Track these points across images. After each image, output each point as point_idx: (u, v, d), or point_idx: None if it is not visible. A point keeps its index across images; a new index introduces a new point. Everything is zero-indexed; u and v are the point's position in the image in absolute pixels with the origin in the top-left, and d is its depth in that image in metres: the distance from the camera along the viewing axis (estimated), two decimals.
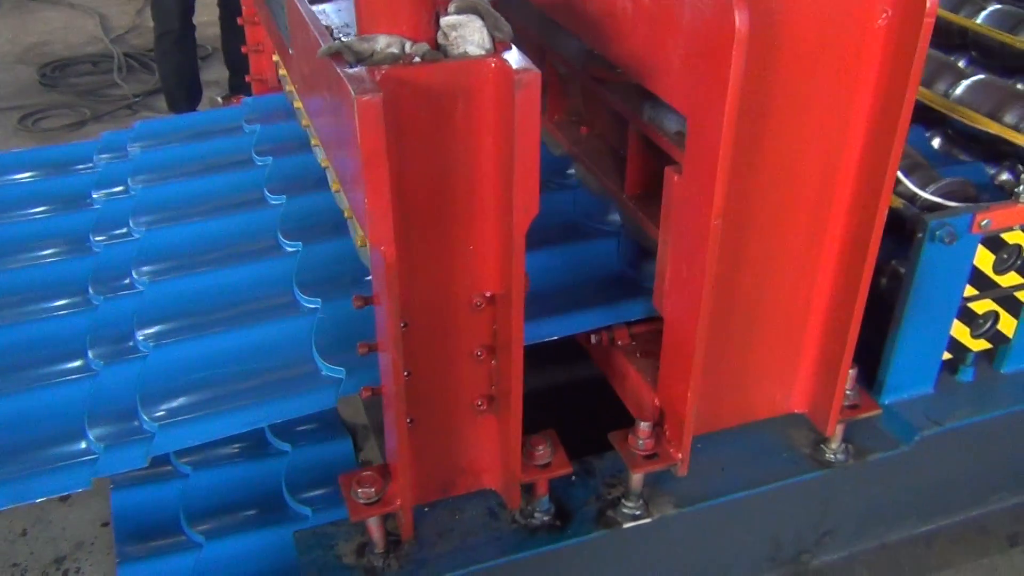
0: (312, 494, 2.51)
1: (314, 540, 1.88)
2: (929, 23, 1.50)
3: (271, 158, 2.78)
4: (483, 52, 1.47)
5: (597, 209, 2.31)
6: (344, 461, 2.70)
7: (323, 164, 2.45)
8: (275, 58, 3.15)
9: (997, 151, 2.51)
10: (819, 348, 1.91)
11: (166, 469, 2.61)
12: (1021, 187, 1.94)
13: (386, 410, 1.71)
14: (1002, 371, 2.24)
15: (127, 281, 2.37)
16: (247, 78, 3.26)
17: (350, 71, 1.38)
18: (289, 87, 2.89)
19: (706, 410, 1.89)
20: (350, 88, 1.32)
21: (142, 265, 2.38)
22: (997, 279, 2.05)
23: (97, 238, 2.60)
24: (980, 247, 1.97)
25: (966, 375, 2.21)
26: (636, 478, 1.89)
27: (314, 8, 1.71)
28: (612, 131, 2.19)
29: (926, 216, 1.89)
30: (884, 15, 1.56)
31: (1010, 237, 1.99)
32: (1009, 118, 2.47)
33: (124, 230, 2.61)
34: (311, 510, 2.41)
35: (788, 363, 1.93)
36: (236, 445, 2.66)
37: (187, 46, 4.26)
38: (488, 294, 1.64)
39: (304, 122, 2.67)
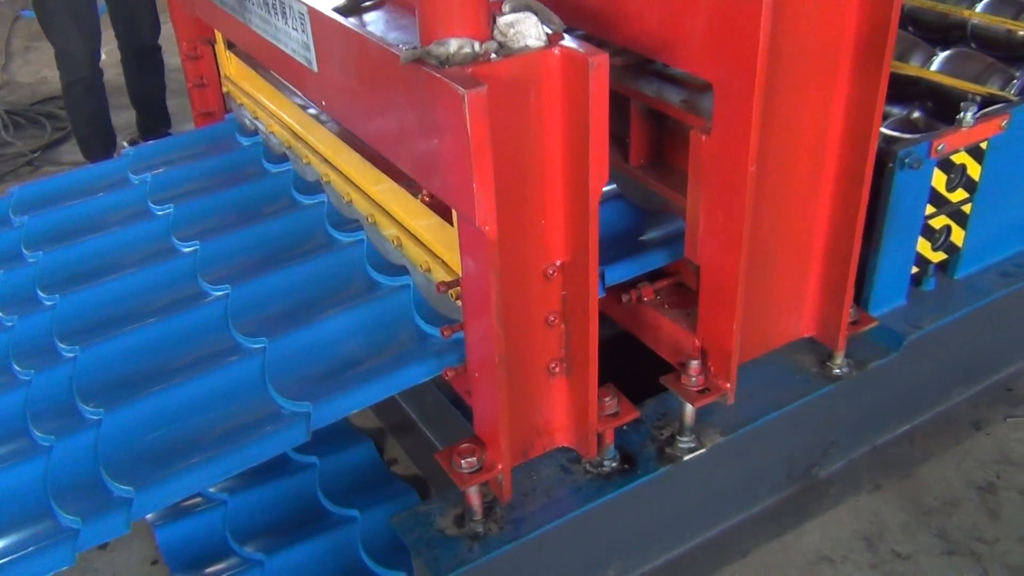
0: (352, 497, 2.62)
1: (413, 520, 2.00)
2: None
3: (171, 206, 2.74)
4: (542, 44, 1.64)
5: None
6: (370, 463, 2.81)
7: (323, 179, 2.56)
8: (225, 89, 3.21)
9: (905, 93, 2.86)
10: (823, 274, 2.16)
11: (198, 500, 2.65)
12: (962, 114, 2.27)
13: (480, 383, 1.85)
14: (955, 277, 2.58)
15: (51, 353, 2.30)
16: (195, 112, 3.28)
17: (445, 72, 1.53)
18: (253, 113, 2.96)
19: None
20: (455, 86, 1.47)
21: (64, 333, 2.31)
22: (949, 196, 2.38)
23: (4, 313, 2.50)
24: (936, 170, 2.29)
25: (929, 285, 2.54)
26: (689, 414, 2.11)
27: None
28: None
29: (894, 147, 2.19)
30: None
31: (956, 158, 2.32)
32: (915, 62, 2.84)
33: (30, 301, 2.51)
34: (358, 511, 2.52)
35: (798, 291, 2.18)
36: (260, 468, 2.71)
37: (98, 92, 4.20)
38: (558, 263, 1.81)
39: (286, 144, 2.76)
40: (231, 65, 3.14)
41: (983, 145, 2.34)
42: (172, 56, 4.89)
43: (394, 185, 2.21)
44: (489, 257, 1.63)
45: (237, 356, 2.17)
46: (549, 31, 1.66)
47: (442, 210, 2.05)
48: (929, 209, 2.36)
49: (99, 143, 4.28)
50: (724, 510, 2.40)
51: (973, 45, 3.14)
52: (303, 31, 2.02)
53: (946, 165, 2.31)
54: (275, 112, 2.85)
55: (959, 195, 2.39)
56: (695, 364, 2.04)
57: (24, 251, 2.75)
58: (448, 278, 2.04)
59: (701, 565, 2.36)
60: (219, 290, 2.37)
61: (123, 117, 4.86)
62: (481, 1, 1.61)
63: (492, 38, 1.65)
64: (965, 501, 2.56)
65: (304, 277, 2.38)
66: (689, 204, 1.98)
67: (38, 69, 6.12)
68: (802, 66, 1.86)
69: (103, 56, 4.34)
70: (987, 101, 2.54)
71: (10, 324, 2.46)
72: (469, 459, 1.88)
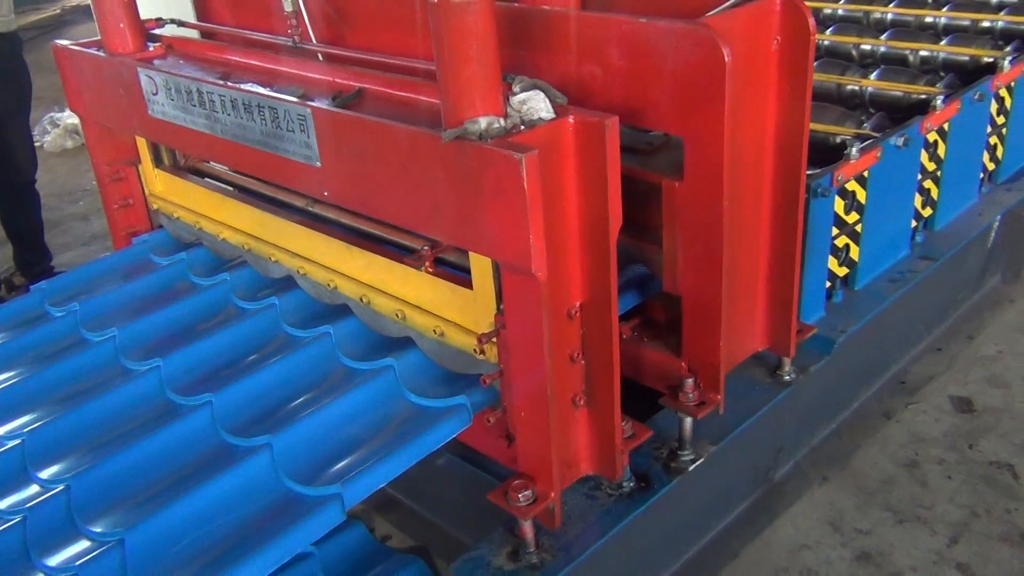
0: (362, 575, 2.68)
1: (470, 565, 2.13)
2: (813, 40, 2.20)
3: (114, 330, 2.71)
4: (552, 115, 1.92)
5: None
6: (364, 542, 2.86)
7: (299, 272, 2.69)
8: (155, 206, 3.26)
9: None
10: (769, 294, 2.50)
11: None
12: (849, 150, 2.73)
13: (527, 419, 2.05)
14: (856, 288, 3.02)
15: (33, 486, 2.25)
16: (118, 233, 3.30)
17: (493, 143, 1.77)
18: (195, 224, 3.05)
19: None
20: (511, 153, 1.73)
21: (45, 465, 2.27)
22: (846, 218, 2.82)
23: None
24: (836, 197, 2.73)
25: (838, 296, 2.96)
26: (688, 428, 2.38)
27: None
28: None
29: (808, 180, 2.60)
30: (776, 40, 2.23)
31: (849, 186, 2.77)
32: None
33: None
34: None
35: (752, 311, 2.51)
36: None
37: None
38: (578, 304, 2.05)
39: (245, 246, 2.87)
40: (159, 182, 3.21)
41: (866, 174, 2.81)
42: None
43: (389, 263, 2.38)
44: (540, 299, 1.86)
45: (240, 457, 2.18)
46: (556, 103, 1.95)
47: (451, 277, 2.25)
48: (834, 231, 2.79)
49: None
50: (711, 519, 2.67)
51: None
52: (303, 131, 2.20)
53: (843, 192, 2.76)
54: (224, 219, 2.94)
55: (853, 217, 2.85)
56: (690, 382, 2.32)
57: None
58: (462, 338, 2.24)
59: (704, 571, 2.61)
60: (198, 400, 2.38)
61: None
62: (497, 84, 1.88)
63: (507, 115, 1.91)
64: (898, 478, 2.96)
65: (280, 376, 2.44)
66: (666, 244, 2.29)
67: None
68: (744, 115, 2.22)
69: None
70: (845, 142, 3.04)
71: None
72: (525, 493, 2.06)
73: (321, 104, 2.18)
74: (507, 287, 1.95)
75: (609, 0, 2.49)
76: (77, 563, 1.99)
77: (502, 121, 1.87)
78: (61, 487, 2.19)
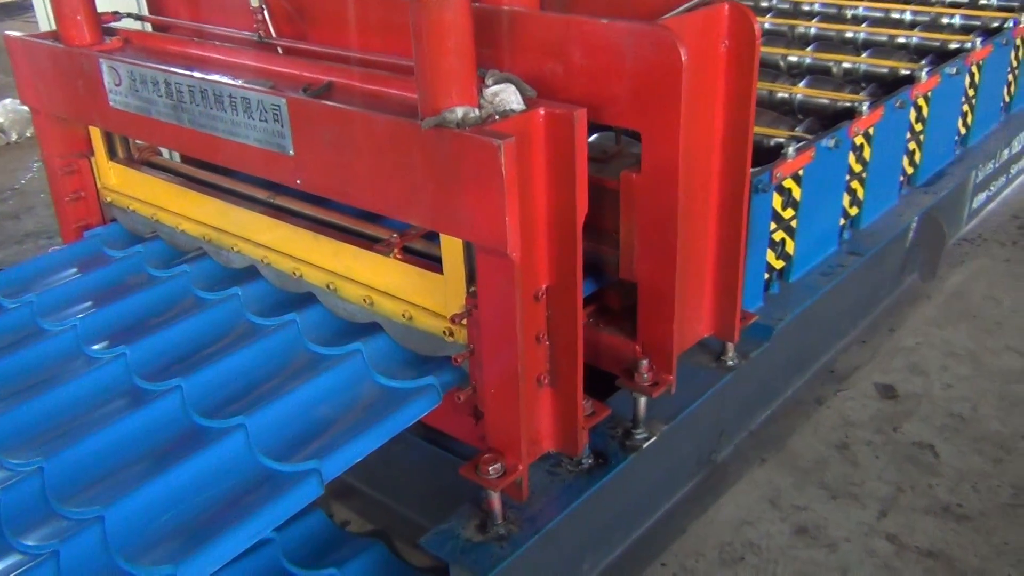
0: (320, 560, 2.73)
1: (440, 538, 2.21)
2: (758, 44, 2.36)
3: (74, 320, 2.74)
4: (522, 107, 2.04)
5: None
6: (325, 528, 2.92)
7: (263, 261, 2.74)
8: (108, 199, 3.27)
9: None
10: (715, 282, 2.66)
11: None
12: (786, 149, 2.91)
13: (497, 397, 2.15)
14: (791, 281, 3.21)
15: (3, 472, 2.26)
16: (70, 226, 3.29)
17: (472, 130, 1.88)
18: (152, 216, 3.07)
19: None
20: (490, 140, 1.83)
21: (14, 451, 2.29)
22: (783, 214, 3.01)
23: None
24: (774, 193, 2.92)
25: (775, 288, 3.15)
26: (643, 407, 2.51)
27: None
28: None
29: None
30: (724, 43, 2.40)
31: (786, 183, 2.96)
32: None
33: None
34: (335, 568, 2.64)
35: (699, 298, 2.67)
36: None
37: None
38: (544, 287, 2.16)
39: (206, 237, 2.90)
40: (113, 175, 3.21)
41: (801, 172, 3.00)
42: None
43: (357, 251, 2.46)
44: (514, 280, 1.97)
45: (213, 438, 2.24)
46: (526, 96, 2.06)
47: (420, 263, 2.34)
48: (772, 225, 2.98)
49: None
50: (661, 497, 2.81)
51: None
52: (276, 120, 2.27)
53: (780, 189, 2.94)
54: (183, 211, 2.97)
55: (789, 213, 3.04)
56: (645, 363, 2.46)
57: None
58: (430, 321, 2.33)
59: (654, 546, 2.74)
60: (166, 385, 2.42)
61: None
62: (473, 76, 1.99)
63: (481, 106, 2.02)
64: (830, 458, 3.15)
65: (247, 362, 2.51)
66: (623, 233, 2.42)
67: None
68: (694, 112, 2.37)
69: None
70: (780, 144, 3.23)
71: None
72: (495, 466, 2.16)
73: (295, 94, 2.25)
74: (481, 269, 2.05)
75: (567, 0, 2.62)
76: (59, 539, 2.01)
77: (477, 111, 1.98)
78: (32, 468, 2.21)
